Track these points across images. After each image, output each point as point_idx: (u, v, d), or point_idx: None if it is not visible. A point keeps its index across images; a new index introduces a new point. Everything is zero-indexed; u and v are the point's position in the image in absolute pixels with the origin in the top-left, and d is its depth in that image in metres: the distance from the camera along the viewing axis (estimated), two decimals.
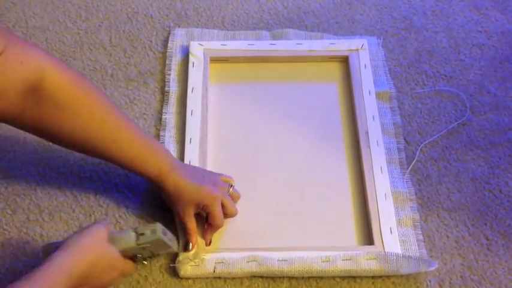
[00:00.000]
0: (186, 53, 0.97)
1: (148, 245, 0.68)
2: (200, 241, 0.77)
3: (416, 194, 0.84)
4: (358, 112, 0.89)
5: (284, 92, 0.95)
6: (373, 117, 0.89)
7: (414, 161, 0.87)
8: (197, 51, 0.96)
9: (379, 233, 0.78)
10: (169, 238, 0.70)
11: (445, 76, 0.97)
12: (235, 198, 0.80)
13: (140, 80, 0.96)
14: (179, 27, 1.02)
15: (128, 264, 0.69)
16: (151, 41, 1.01)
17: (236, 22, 1.04)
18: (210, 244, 0.77)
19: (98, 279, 0.65)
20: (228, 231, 0.80)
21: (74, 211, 0.81)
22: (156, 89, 0.95)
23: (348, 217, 0.81)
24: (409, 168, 0.85)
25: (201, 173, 0.79)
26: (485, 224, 0.81)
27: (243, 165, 0.86)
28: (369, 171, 0.83)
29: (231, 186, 0.80)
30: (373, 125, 0.88)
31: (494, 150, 0.89)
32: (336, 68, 0.97)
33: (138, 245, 0.67)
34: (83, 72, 0.96)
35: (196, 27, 1.03)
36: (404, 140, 0.89)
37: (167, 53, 0.98)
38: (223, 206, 0.76)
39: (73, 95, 0.68)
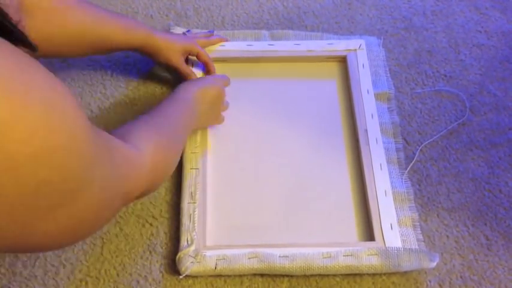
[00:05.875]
0: None
1: None
2: (200, 239, 0.77)
3: (416, 193, 0.84)
4: (356, 110, 0.90)
5: (283, 91, 0.95)
6: (372, 115, 0.90)
7: (414, 160, 0.87)
8: None
9: (380, 229, 0.78)
10: None
11: (445, 76, 0.97)
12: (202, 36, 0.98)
13: (140, 81, 0.96)
14: (179, 27, 1.02)
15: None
16: None
17: (236, 22, 1.04)
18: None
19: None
20: (229, 228, 0.80)
21: None
22: (156, 89, 0.95)
23: (348, 213, 0.82)
24: (408, 168, 0.85)
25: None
26: (485, 224, 0.81)
27: (243, 163, 0.87)
28: (369, 169, 0.84)
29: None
30: (372, 123, 0.89)
31: (494, 150, 0.89)
32: (334, 68, 0.97)
33: None
34: (83, 73, 0.96)
35: (196, 27, 1.03)
36: (404, 140, 0.89)
37: None
38: (201, 45, 0.94)
39: None
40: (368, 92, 0.92)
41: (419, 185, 0.85)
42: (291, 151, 0.88)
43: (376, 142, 0.87)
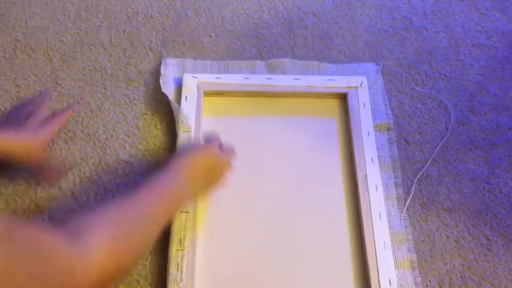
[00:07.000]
0: (178, 85, 0.93)
1: None
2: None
3: (416, 194, 0.84)
4: (356, 155, 0.86)
5: (281, 127, 0.90)
6: (372, 159, 0.86)
7: (413, 160, 0.87)
8: (191, 83, 0.92)
9: (378, 285, 0.75)
10: None
11: (445, 76, 0.97)
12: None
13: (140, 80, 0.96)
14: (177, 28, 1.02)
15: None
16: (151, 41, 1.01)
17: (236, 22, 1.04)
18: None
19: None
20: (219, 278, 0.76)
21: (74, 211, 0.81)
22: (156, 89, 0.95)
23: (346, 267, 0.78)
24: (406, 205, 0.83)
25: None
26: (485, 224, 0.82)
27: (235, 207, 0.82)
28: (367, 219, 0.80)
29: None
30: (372, 169, 0.85)
31: (494, 150, 0.89)
32: (334, 105, 0.93)
33: None
34: (83, 73, 0.96)
35: (196, 27, 1.03)
36: (404, 140, 0.89)
37: (160, 81, 0.93)
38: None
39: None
40: (369, 134, 0.88)
41: (420, 185, 0.85)
42: (287, 194, 0.84)
43: (376, 189, 0.83)
